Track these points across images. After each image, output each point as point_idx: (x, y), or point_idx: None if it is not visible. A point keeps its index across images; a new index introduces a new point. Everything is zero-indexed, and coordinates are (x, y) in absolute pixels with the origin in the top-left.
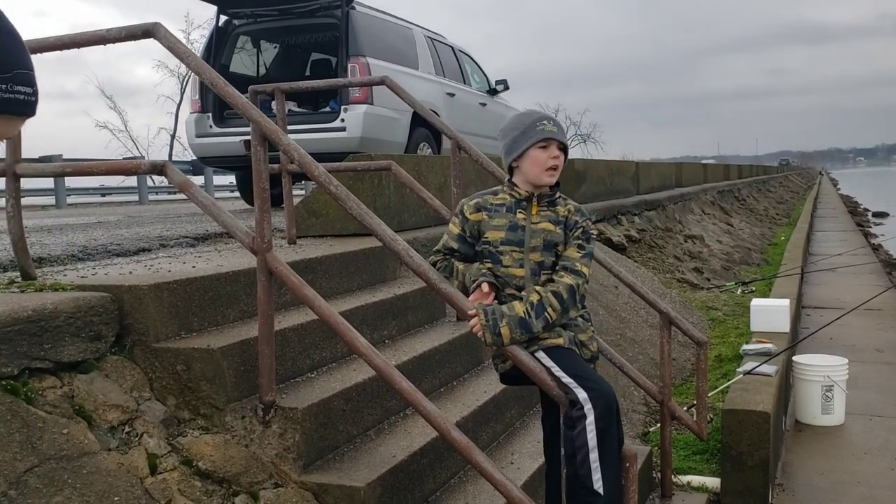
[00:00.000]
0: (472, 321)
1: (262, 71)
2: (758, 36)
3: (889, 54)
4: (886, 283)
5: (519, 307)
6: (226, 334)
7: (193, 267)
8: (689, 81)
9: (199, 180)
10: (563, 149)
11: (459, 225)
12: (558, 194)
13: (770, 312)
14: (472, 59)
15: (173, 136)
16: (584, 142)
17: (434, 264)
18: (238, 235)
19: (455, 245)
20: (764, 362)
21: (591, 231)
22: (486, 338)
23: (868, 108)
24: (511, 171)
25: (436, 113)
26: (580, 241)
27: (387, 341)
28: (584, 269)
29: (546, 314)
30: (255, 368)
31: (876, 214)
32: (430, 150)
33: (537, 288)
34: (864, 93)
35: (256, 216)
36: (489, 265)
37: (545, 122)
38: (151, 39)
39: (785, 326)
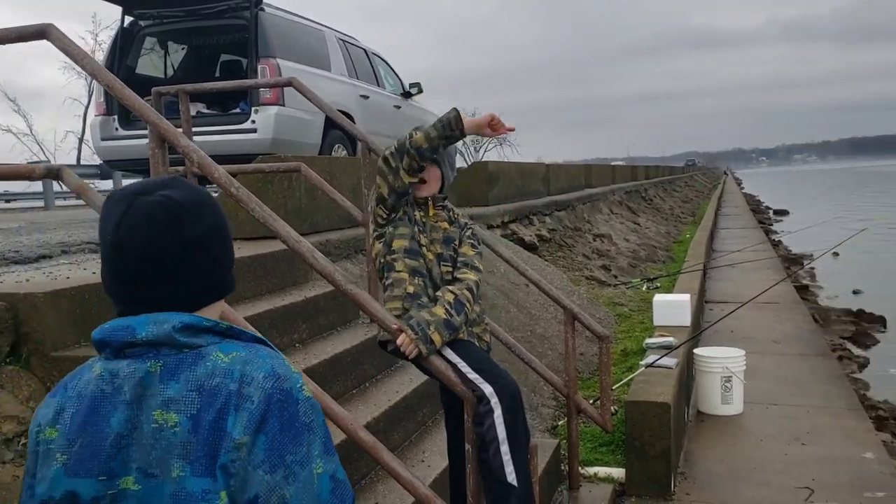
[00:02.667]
0: (400, 339)
1: (171, 72)
2: (656, 42)
3: (781, 59)
4: (783, 277)
5: (439, 310)
6: None
7: (94, 273)
8: (598, 85)
9: (108, 184)
10: (436, 163)
11: None
12: (446, 201)
13: (672, 307)
14: (385, 61)
15: (81, 140)
16: (500, 145)
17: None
18: None
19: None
20: (665, 355)
21: (479, 233)
22: (421, 350)
23: (768, 110)
24: None
25: (349, 115)
26: (472, 241)
27: (297, 345)
28: (481, 266)
29: (465, 309)
30: None
31: (777, 212)
32: (345, 151)
33: (449, 287)
34: (762, 96)
35: None
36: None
37: None
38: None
39: (686, 320)
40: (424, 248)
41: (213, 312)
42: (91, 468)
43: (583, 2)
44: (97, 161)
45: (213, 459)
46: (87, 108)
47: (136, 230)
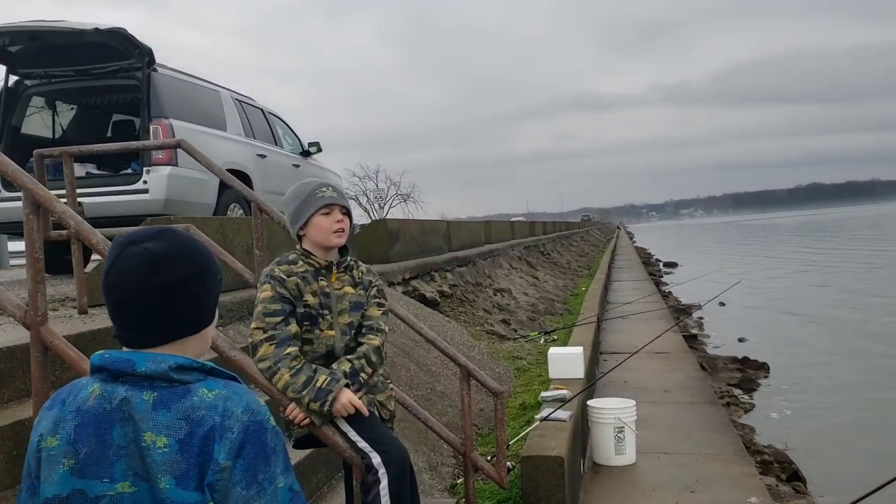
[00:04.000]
0: (289, 409)
1: (59, 132)
2: (552, 104)
3: (663, 121)
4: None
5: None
6: None
7: None
8: (498, 144)
9: None
10: (347, 213)
11: (274, 288)
12: (350, 259)
13: (566, 360)
14: (283, 121)
15: None
16: (405, 201)
17: (287, 356)
18: (8, 309)
19: (278, 307)
20: (559, 408)
21: (384, 288)
22: (315, 421)
23: (656, 168)
24: (300, 238)
25: (246, 174)
26: (378, 300)
27: None
28: (386, 327)
29: (360, 379)
30: None
31: (667, 265)
32: (241, 211)
33: (347, 357)
34: (649, 154)
35: (29, 287)
36: (307, 328)
37: (324, 188)
38: None
39: (580, 372)
40: (322, 329)
41: (199, 341)
42: (97, 471)
43: (483, 66)
44: None
45: (202, 478)
46: None
47: (121, 276)
